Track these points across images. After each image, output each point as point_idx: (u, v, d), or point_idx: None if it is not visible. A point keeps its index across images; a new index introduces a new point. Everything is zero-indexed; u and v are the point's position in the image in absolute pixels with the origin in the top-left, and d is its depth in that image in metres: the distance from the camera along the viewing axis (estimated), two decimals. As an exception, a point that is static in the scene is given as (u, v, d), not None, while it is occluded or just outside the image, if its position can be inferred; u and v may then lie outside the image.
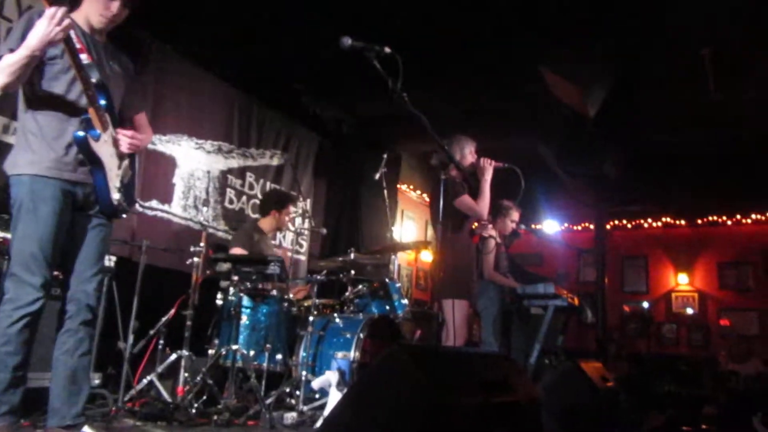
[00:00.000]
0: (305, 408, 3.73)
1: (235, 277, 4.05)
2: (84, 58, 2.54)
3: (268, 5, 4.96)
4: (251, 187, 6.10)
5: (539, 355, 5.28)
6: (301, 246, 6.70)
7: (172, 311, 3.98)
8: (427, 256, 8.58)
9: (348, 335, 4.10)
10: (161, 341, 3.90)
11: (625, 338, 9.80)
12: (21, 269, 2.46)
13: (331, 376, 3.69)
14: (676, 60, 5.40)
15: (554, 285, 5.37)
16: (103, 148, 2.62)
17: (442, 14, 4.99)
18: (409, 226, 8.73)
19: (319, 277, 4.30)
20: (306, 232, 6.63)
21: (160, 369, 3.78)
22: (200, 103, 5.57)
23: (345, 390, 3.41)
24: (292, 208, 5.14)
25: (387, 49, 2.65)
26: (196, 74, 5.54)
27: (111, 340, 3.85)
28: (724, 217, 9.80)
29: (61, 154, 2.55)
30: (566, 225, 10.64)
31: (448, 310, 4.05)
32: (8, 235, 2.95)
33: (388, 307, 4.63)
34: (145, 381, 3.73)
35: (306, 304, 4.39)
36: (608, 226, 10.08)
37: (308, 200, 6.89)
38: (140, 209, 4.87)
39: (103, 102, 2.61)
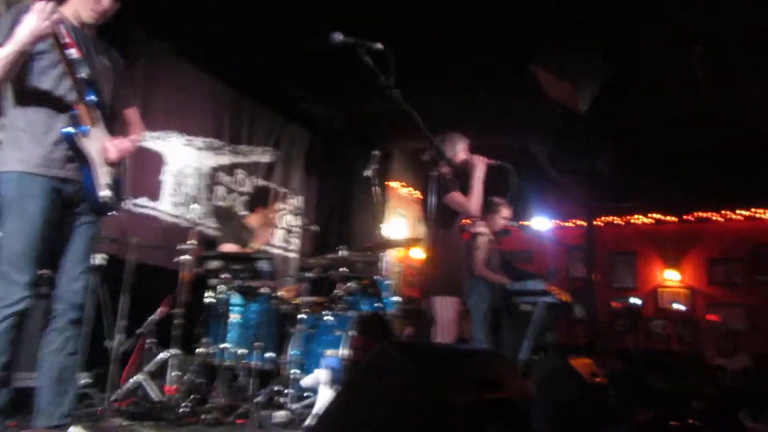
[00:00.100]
0: (295, 406, 3.71)
1: (225, 275, 4.02)
2: (73, 52, 2.52)
3: (259, 1, 4.92)
4: (241, 184, 6.07)
5: (529, 351, 5.31)
6: (291, 243, 6.68)
7: (161, 309, 3.96)
8: (417, 253, 8.57)
9: (338, 333, 4.08)
10: (149, 340, 3.87)
11: (614, 334, 9.85)
12: (9, 267, 2.44)
13: (321, 374, 3.68)
14: (668, 57, 5.42)
15: (544, 282, 5.39)
16: (93, 145, 2.59)
17: (436, 11, 4.98)
18: (400, 223, 8.72)
19: (309, 274, 4.28)
20: (297, 230, 6.60)
21: (148, 368, 3.76)
22: (190, 100, 5.53)
23: (335, 388, 3.41)
24: (279, 205, 5.11)
25: (378, 45, 2.63)
26: (186, 70, 5.49)
27: (99, 338, 3.81)
28: (713, 213, 9.86)
29: (49, 151, 2.53)
30: (556, 221, 10.66)
31: (439, 307, 4.04)
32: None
33: (378, 305, 4.62)
34: (133, 380, 3.71)
35: (296, 301, 4.37)
36: (597, 223, 10.13)
37: (299, 197, 6.86)
38: (129, 206, 4.83)
39: (92, 97, 2.58)
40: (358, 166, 6.46)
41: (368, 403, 1.78)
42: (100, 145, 2.64)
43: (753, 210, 9.61)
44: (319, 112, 6.94)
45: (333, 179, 7.39)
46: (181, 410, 3.46)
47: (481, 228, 5.48)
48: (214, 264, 4.07)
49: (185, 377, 3.67)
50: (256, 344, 3.96)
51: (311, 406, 3.69)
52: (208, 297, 4.11)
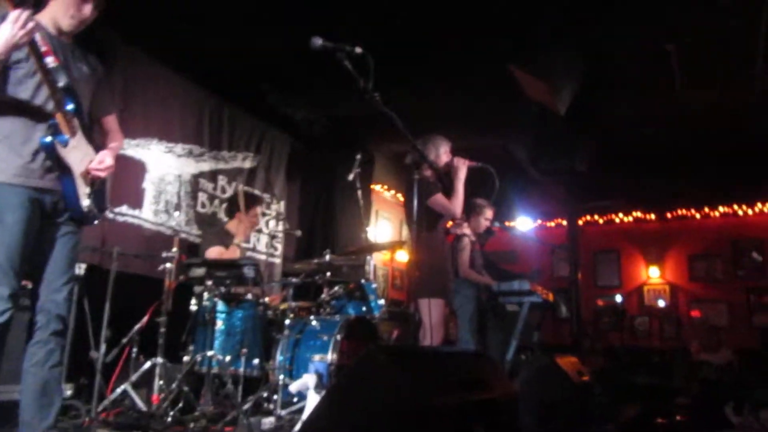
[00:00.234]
0: (283, 412, 3.71)
1: (209, 282, 4.00)
2: (50, 60, 2.49)
3: (239, 6, 4.91)
4: (223, 191, 6.04)
5: (516, 351, 5.34)
6: (275, 249, 6.66)
7: (145, 318, 3.93)
8: (402, 256, 8.59)
9: (325, 337, 4.08)
10: (134, 349, 3.84)
11: (600, 332, 9.94)
12: (-12, 279, 2.40)
13: (308, 380, 3.67)
14: (645, 56, 5.49)
15: (529, 281, 5.43)
16: (72, 154, 2.56)
17: (412, 13, 5.00)
18: (384, 226, 8.73)
19: (294, 279, 4.27)
20: (280, 235, 6.59)
21: (134, 377, 3.73)
22: (170, 106, 5.49)
23: (323, 393, 3.41)
24: (258, 209, 5.09)
25: (358, 49, 2.64)
26: (165, 76, 5.46)
27: (83, 349, 3.77)
28: (693, 211, 9.99)
29: (28, 161, 2.49)
30: (539, 222, 10.75)
31: (425, 310, 4.05)
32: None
33: (364, 308, 4.62)
34: (118, 390, 3.67)
35: (282, 307, 4.36)
36: (580, 222, 10.21)
37: (282, 202, 6.84)
38: (110, 215, 4.78)
39: (71, 106, 2.55)
40: (340, 171, 6.46)
41: (355, 407, 1.78)
42: (81, 154, 2.61)
43: (733, 207, 9.75)
44: (300, 117, 6.93)
45: (315, 184, 7.37)
46: (168, 419, 3.44)
47: (465, 229, 5.50)
48: (198, 271, 4.04)
49: (172, 386, 3.64)
50: (242, 351, 3.94)
51: (300, 411, 3.69)
52: (194, 304, 4.10)
